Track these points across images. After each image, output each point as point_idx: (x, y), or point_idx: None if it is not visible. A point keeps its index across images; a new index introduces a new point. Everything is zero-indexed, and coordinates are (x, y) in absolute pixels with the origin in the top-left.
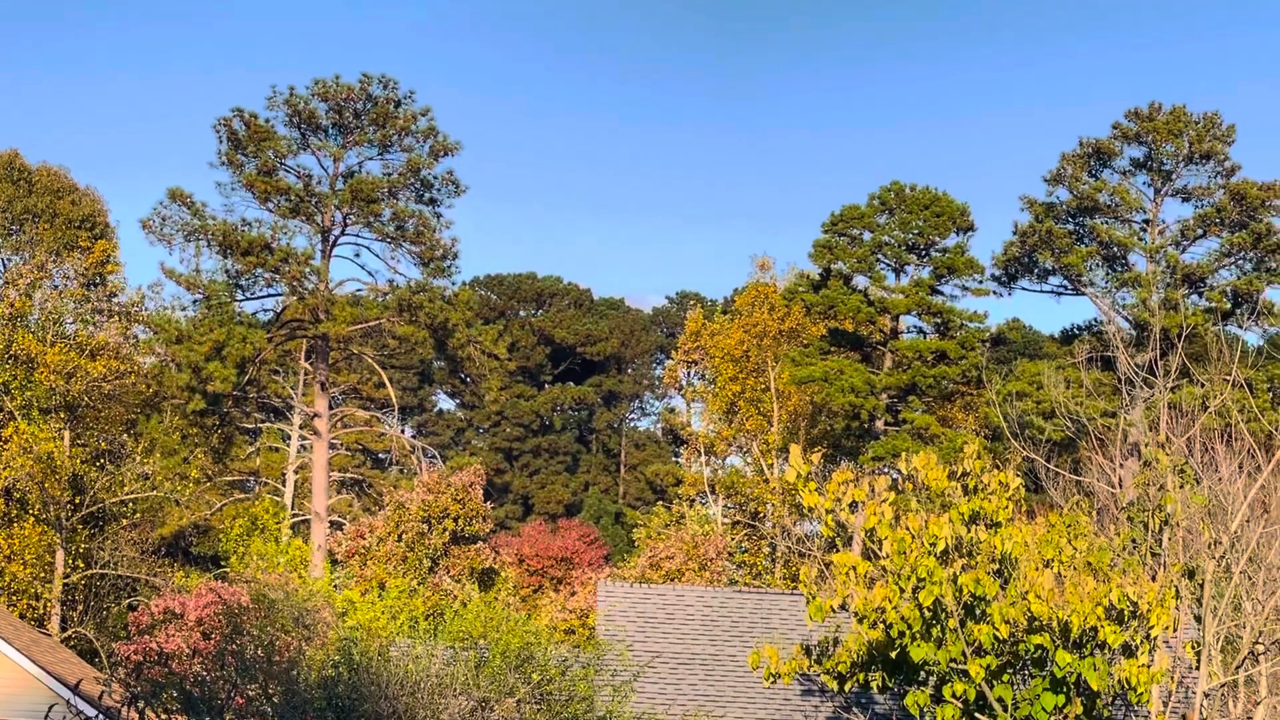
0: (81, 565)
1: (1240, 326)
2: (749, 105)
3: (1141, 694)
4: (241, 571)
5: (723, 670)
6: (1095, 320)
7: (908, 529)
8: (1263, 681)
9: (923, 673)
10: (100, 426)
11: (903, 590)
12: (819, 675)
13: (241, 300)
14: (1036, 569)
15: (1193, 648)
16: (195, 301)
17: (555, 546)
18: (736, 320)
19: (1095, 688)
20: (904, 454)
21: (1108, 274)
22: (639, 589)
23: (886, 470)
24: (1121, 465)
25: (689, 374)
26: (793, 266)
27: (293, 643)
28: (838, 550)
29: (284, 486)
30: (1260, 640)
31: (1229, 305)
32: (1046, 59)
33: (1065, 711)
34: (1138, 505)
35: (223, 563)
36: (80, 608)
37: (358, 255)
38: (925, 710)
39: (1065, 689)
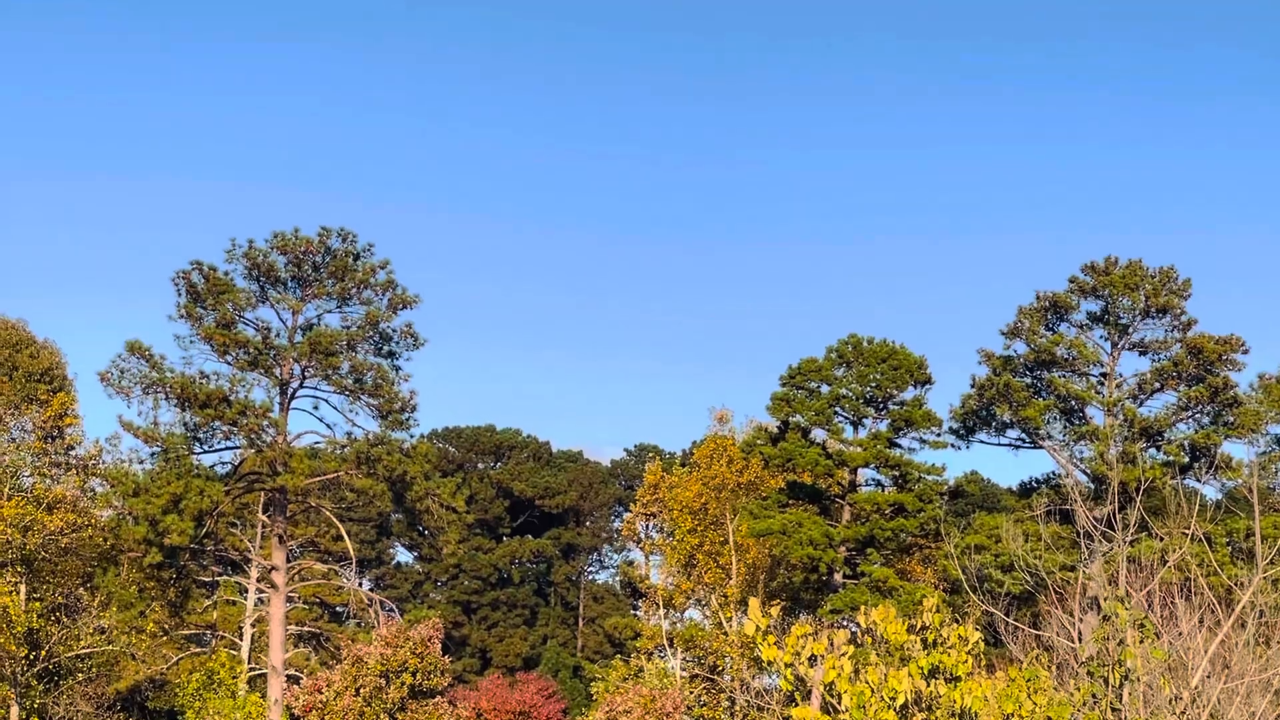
0: None
1: (1199, 480)
2: (708, 258)
3: None
4: None
5: None
6: (1053, 473)
7: (867, 683)
8: None
9: None
10: (57, 580)
11: None
12: None
13: (199, 453)
14: None
15: None
16: (153, 454)
17: (514, 700)
18: (695, 473)
19: None
20: (863, 607)
21: (1065, 427)
22: None
23: (845, 623)
24: (1081, 619)
25: (647, 526)
26: (751, 419)
27: None
28: (797, 704)
29: (241, 640)
30: None
31: (1187, 459)
32: (1003, 213)
33: None
34: (1098, 660)
35: (179, 717)
36: None
37: (316, 408)
38: None
39: None
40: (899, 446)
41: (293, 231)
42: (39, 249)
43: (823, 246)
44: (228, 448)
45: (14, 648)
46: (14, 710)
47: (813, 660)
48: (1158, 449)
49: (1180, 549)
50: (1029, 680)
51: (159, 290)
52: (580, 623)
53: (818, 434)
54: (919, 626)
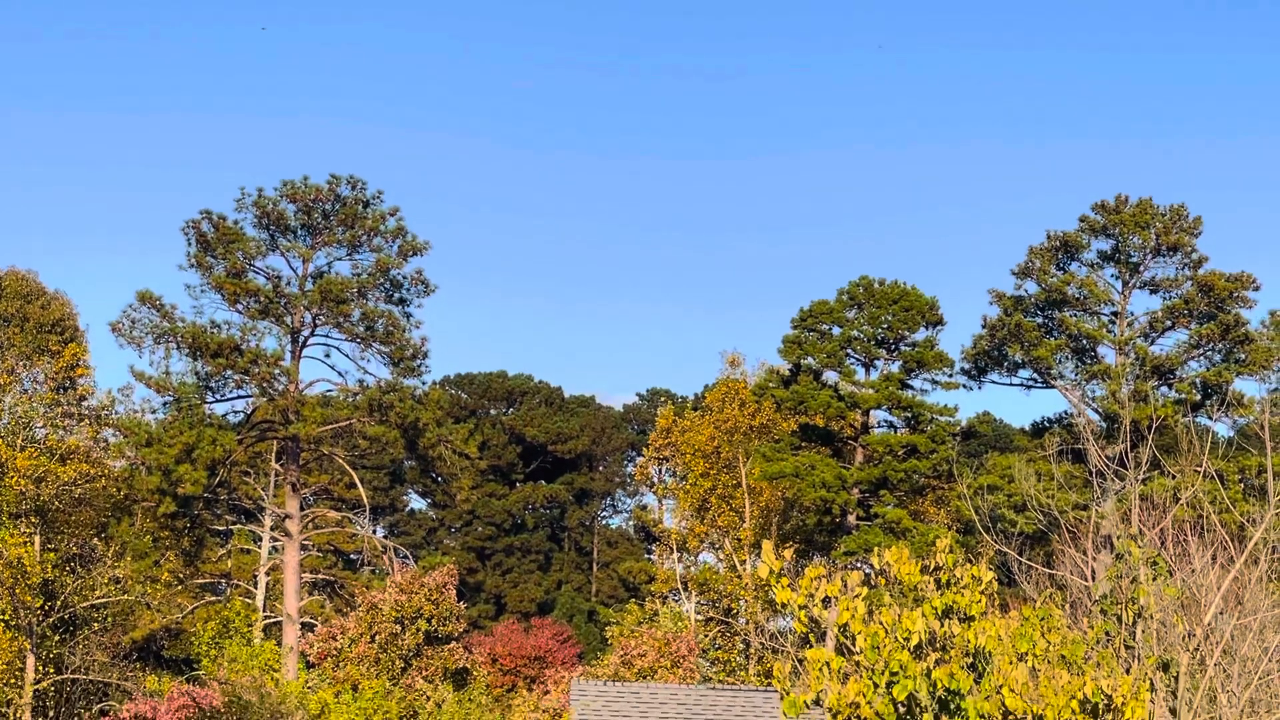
0: (52, 671)
1: (1210, 418)
2: (719, 200)
3: None
4: (214, 673)
5: None
6: (1065, 413)
7: (881, 624)
8: None
9: None
10: (71, 531)
11: (876, 685)
12: None
13: (211, 402)
14: (1011, 663)
15: None
16: (165, 404)
17: (528, 645)
18: (707, 416)
19: None
20: (876, 549)
21: (1077, 366)
22: (612, 687)
23: (859, 565)
24: (1094, 558)
25: (660, 471)
26: (763, 362)
27: None
28: (811, 646)
29: (255, 589)
30: None
31: (1198, 396)
32: (1014, 152)
33: None
34: (1111, 598)
35: (195, 666)
36: (52, 714)
37: (327, 356)
38: None
39: None
40: (911, 388)
41: (302, 179)
42: (47, 197)
43: (833, 186)
44: (240, 397)
45: (29, 598)
46: (30, 660)
47: (826, 602)
48: (1169, 387)
49: (1192, 487)
50: (1043, 619)
51: (169, 240)
52: (594, 567)
53: (830, 376)
54: (932, 567)
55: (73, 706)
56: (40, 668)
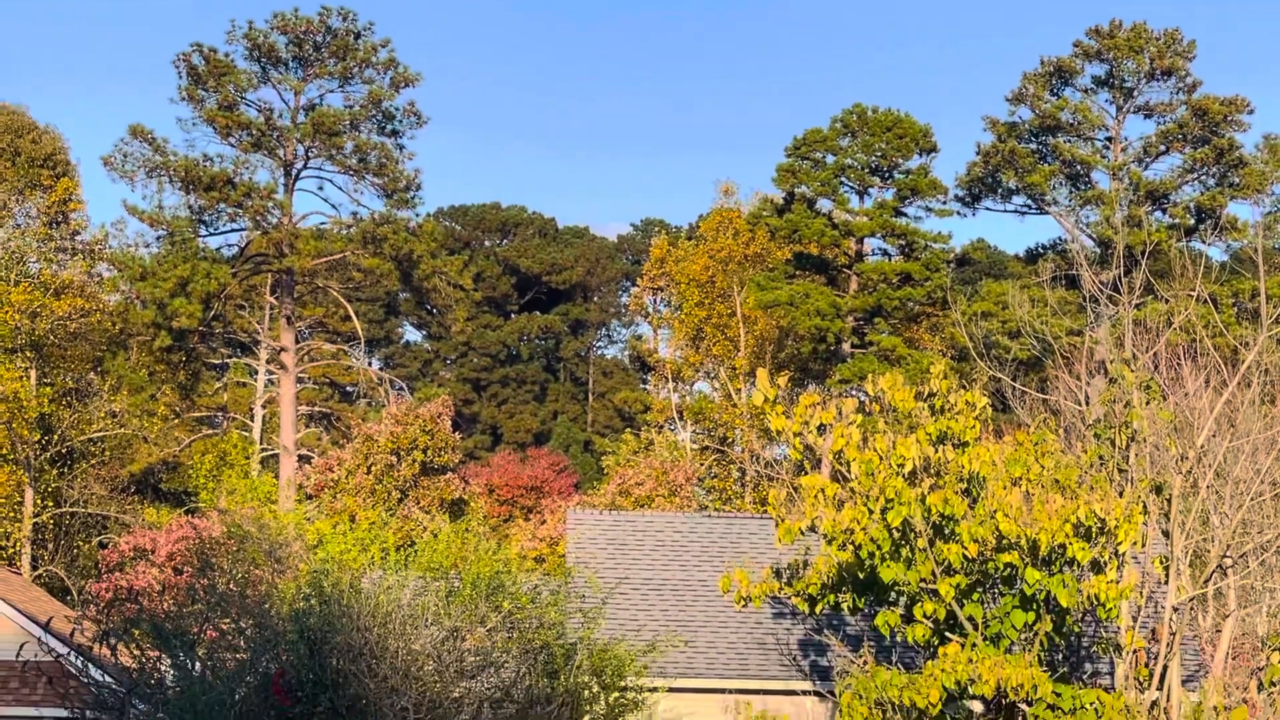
0: (51, 504)
1: (1204, 242)
2: (711, 28)
3: (1110, 609)
4: (213, 505)
5: (693, 595)
6: (1059, 239)
7: (875, 450)
8: (1231, 594)
9: (893, 593)
10: (66, 365)
11: (871, 511)
12: (790, 598)
13: (205, 236)
14: (1004, 488)
15: (1161, 562)
16: (158, 238)
17: (525, 475)
18: (701, 246)
19: (1064, 604)
20: (871, 376)
21: (1071, 192)
22: (609, 516)
23: (854, 392)
24: (1088, 383)
25: (655, 301)
26: (756, 191)
27: (265, 576)
28: (806, 473)
29: (252, 421)
30: (1228, 554)
31: (1192, 221)
32: None
33: (1035, 628)
34: (1104, 422)
35: (193, 498)
36: (50, 546)
37: (321, 188)
38: (896, 630)
39: (1035, 606)
40: (905, 215)
41: (293, 11)
42: (36, 30)
43: (826, 13)
44: (233, 230)
45: (26, 433)
46: (29, 494)
47: (821, 429)
48: (1163, 212)
49: (1186, 311)
50: (1036, 444)
51: (160, 74)
52: (590, 398)
53: (823, 204)
54: (926, 394)
55: (72, 539)
56: (39, 501)
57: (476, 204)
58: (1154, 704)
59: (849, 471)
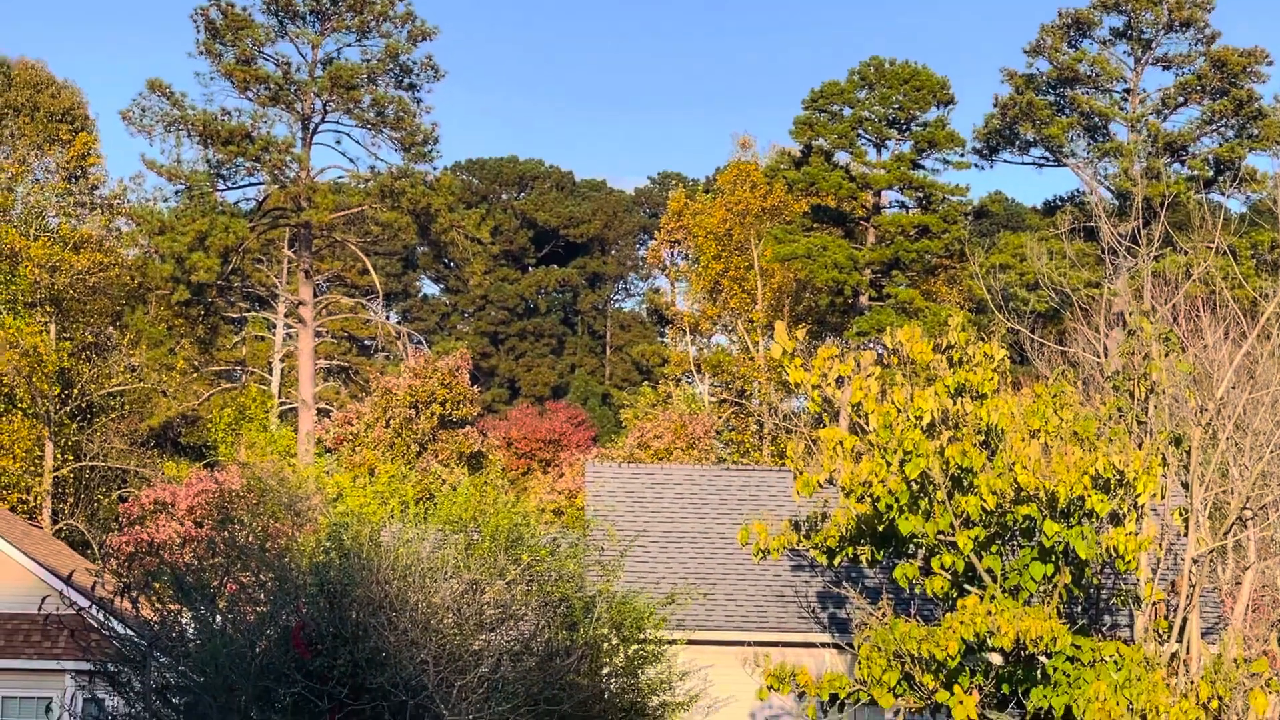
0: (71, 458)
1: (1223, 194)
2: None
3: (1130, 561)
4: (232, 458)
5: (712, 547)
6: (1077, 191)
7: (893, 403)
8: (1251, 546)
9: (911, 545)
10: (86, 319)
11: (889, 464)
12: (808, 550)
13: (223, 190)
14: (1023, 440)
15: (1180, 514)
16: (177, 192)
17: (543, 429)
18: (719, 199)
19: (1083, 556)
20: (889, 328)
21: (1089, 144)
22: (627, 469)
23: (871, 345)
24: (1106, 335)
25: (672, 254)
26: (774, 144)
27: (284, 529)
28: (824, 426)
29: (270, 375)
30: (1248, 505)
31: (1211, 173)
32: None
33: (1054, 581)
34: (1123, 374)
35: (212, 452)
36: (71, 500)
37: (338, 142)
38: (914, 582)
39: (1054, 558)
40: (922, 168)
41: None
42: None
43: None
44: (251, 184)
45: (46, 387)
46: (49, 447)
47: (839, 382)
48: (1182, 164)
49: (1205, 262)
50: (1055, 396)
51: (179, 28)
52: (607, 351)
53: (841, 157)
54: (944, 346)
55: (92, 493)
56: (59, 455)
57: (494, 157)
58: (1173, 656)
59: (867, 424)
